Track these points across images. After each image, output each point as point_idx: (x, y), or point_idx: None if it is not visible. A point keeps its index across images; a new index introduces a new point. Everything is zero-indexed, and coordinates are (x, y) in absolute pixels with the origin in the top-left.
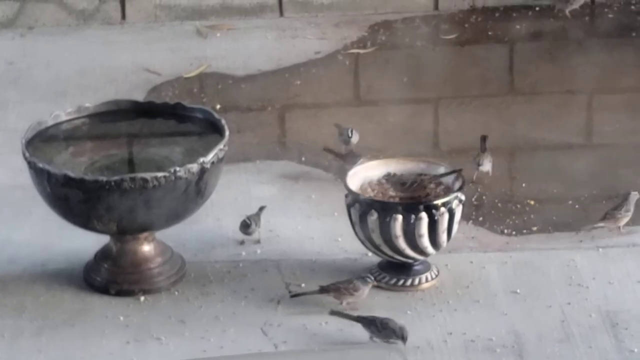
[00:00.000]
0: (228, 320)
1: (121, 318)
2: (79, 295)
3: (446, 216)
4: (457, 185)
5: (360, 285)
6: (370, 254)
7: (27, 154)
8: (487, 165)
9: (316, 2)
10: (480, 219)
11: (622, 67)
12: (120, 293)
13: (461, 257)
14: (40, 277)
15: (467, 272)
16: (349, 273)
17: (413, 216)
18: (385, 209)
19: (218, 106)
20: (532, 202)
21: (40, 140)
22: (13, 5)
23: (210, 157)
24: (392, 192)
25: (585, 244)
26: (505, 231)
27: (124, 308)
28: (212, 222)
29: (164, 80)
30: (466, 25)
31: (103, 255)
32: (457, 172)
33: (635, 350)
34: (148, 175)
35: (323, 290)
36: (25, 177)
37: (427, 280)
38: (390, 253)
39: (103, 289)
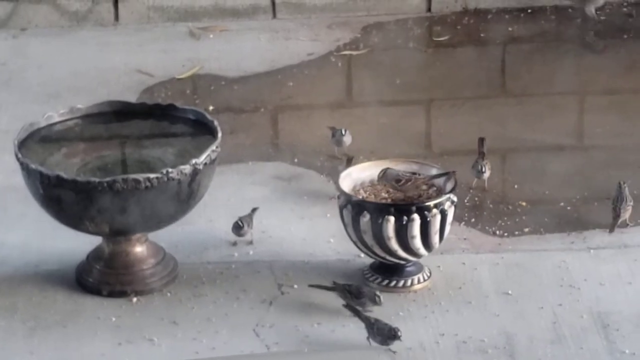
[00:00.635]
0: (220, 322)
1: (113, 319)
2: (71, 297)
3: (438, 217)
4: (449, 186)
5: (368, 301)
6: (362, 255)
7: (19, 155)
8: (487, 172)
9: (309, 4)
10: (473, 220)
11: (613, 68)
12: (112, 294)
13: (453, 259)
14: (32, 278)
15: (459, 274)
16: (341, 274)
17: (405, 217)
18: (377, 210)
19: (211, 107)
20: (523, 204)
21: (33, 142)
22: (6, 6)
23: (202, 158)
24: (384, 194)
25: (576, 246)
26: (497, 232)
27: (116, 309)
28: (205, 223)
29: (157, 81)
30: (458, 27)
31: (95, 256)
32: (451, 173)
33: (627, 351)
34: (140, 176)
35: (335, 288)
36: (17, 178)
37: (419, 282)
38: (382, 254)
39: (95, 290)
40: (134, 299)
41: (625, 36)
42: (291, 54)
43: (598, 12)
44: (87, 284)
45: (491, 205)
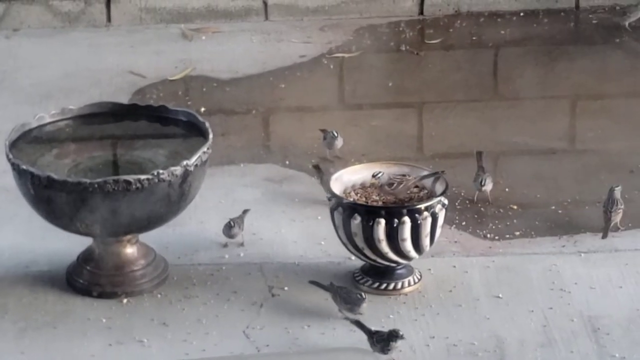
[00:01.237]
0: (211, 323)
1: (103, 320)
2: (62, 297)
3: (429, 220)
4: (440, 189)
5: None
6: (353, 257)
7: (10, 156)
8: (489, 185)
9: (301, 6)
10: (463, 223)
11: (605, 72)
12: (102, 295)
13: (444, 261)
14: (23, 279)
15: (449, 276)
16: (332, 277)
17: (396, 220)
18: (368, 213)
19: (203, 109)
20: (515, 207)
21: (24, 142)
22: None
23: (193, 159)
24: (375, 196)
25: (567, 249)
26: (488, 236)
27: (107, 310)
28: (196, 224)
29: (149, 82)
30: (451, 30)
31: (86, 257)
32: (440, 173)
33: (617, 355)
34: (131, 177)
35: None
36: (8, 179)
37: (409, 284)
38: (373, 257)
39: (85, 291)
40: (125, 300)
41: (618, 40)
42: (283, 56)
43: (631, 25)
44: (77, 285)
45: (482, 209)
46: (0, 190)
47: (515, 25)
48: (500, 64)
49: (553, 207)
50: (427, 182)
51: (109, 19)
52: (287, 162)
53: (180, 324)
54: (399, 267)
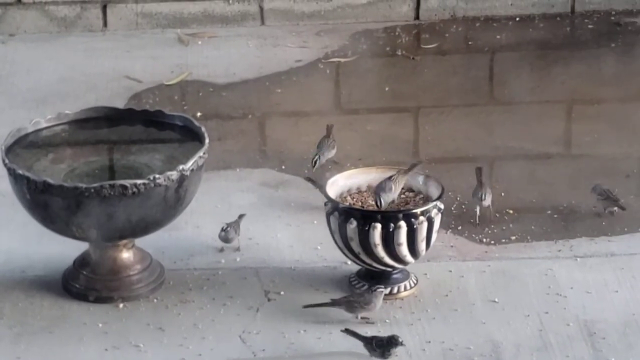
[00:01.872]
0: (207, 328)
1: (100, 325)
2: (58, 302)
3: (425, 225)
4: (436, 194)
5: (371, 298)
6: (349, 262)
7: (6, 161)
8: (488, 199)
9: (297, 11)
10: (459, 227)
11: (600, 77)
12: (98, 300)
13: (440, 266)
14: (19, 284)
15: (445, 281)
16: (328, 281)
17: (392, 225)
18: (364, 218)
19: (199, 114)
20: (510, 212)
21: (20, 147)
22: None
23: (189, 164)
24: (371, 201)
25: (563, 254)
26: (484, 240)
27: (103, 315)
28: (192, 229)
29: (145, 87)
30: (447, 34)
31: (82, 262)
32: (417, 163)
33: (613, 359)
34: (127, 182)
35: (335, 303)
36: (4, 184)
37: (405, 289)
38: (369, 261)
39: (82, 296)
40: (121, 305)
41: (613, 44)
42: (279, 60)
43: None
44: (73, 290)
45: (478, 213)
46: None
47: (510, 29)
48: (496, 69)
49: (549, 212)
50: (424, 188)
51: (105, 23)
52: (283, 167)
53: (177, 329)
54: (395, 271)
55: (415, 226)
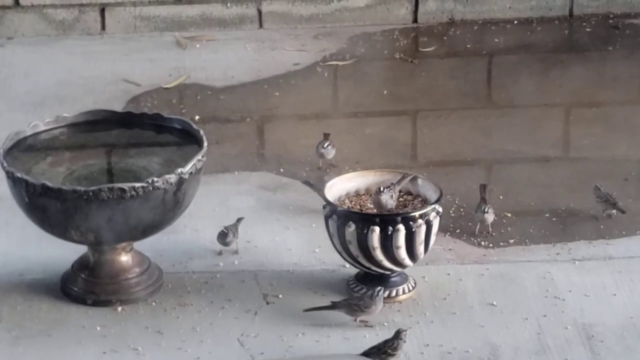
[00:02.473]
0: (205, 331)
1: (98, 328)
2: (56, 305)
3: (423, 228)
4: (434, 197)
5: (371, 301)
6: (347, 265)
7: (5, 164)
8: (490, 217)
9: (295, 14)
10: (458, 231)
11: (599, 80)
12: (97, 303)
13: (438, 269)
14: (17, 287)
15: (444, 284)
16: (326, 284)
17: (390, 228)
18: (362, 221)
19: (197, 117)
20: (509, 215)
21: (19, 150)
22: None
23: (188, 167)
24: (370, 204)
25: (561, 257)
26: (483, 243)
27: (101, 318)
28: (190, 232)
29: (143, 90)
30: (445, 38)
31: (80, 265)
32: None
33: None
34: (126, 185)
35: (335, 306)
36: (3, 187)
37: (404, 292)
38: (367, 264)
39: (80, 299)
40: (119, 308)
41: (611, 48)
42: (277, 64)
43: None
44: (72, 293)
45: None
46: None
47: (509, 33)
48: (494, 72)
49: (547, 215)
50: (422, 190)
51: (103, 27)
52: (282, 170)
53: (175, 332)
54: (393, 274)
55: (413, 229)
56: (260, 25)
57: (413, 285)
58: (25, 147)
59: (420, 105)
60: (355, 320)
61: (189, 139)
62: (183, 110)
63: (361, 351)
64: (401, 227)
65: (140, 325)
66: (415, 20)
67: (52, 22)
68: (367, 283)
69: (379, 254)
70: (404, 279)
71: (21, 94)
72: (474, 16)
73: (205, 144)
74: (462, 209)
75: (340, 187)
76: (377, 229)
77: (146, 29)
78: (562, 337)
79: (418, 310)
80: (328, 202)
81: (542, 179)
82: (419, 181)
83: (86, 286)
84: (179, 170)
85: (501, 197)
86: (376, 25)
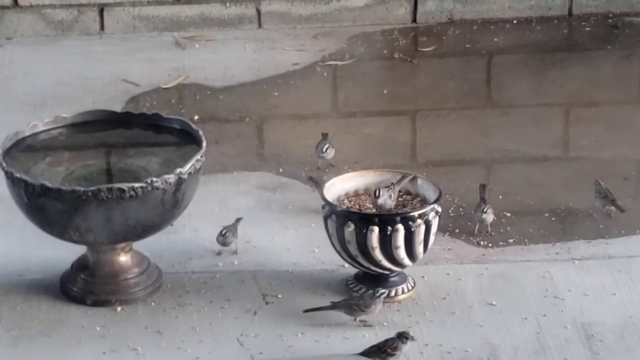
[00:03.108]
0: (204, 331)
1: (97, 328)
2: (56, 306)
3: (422, 228)
4: (434, 197)
5: (370, 301)
6: (346, 265)
7: (4, 164)
8: (490, 217)
9: (295, 14)
10: (457, 230)
11: (598, 79)
12: (96, 303)
13: (437, 269)
14: (16, 287)
15: (443, 284)
16: (326, 284)
17: (389, 228)
18: (361, 221)
19: (196, 117)
20: (508, 214)
21: (18, 150)
22: None
23: (187, 167)
24: (369, 204)
25: (560, 256)
26: (482, 243)
27: (101, 318)
28: (189, 232)
29: (142, 90)
30: (444, 37)
31: (80, 265)
32: (405, 175)
33: None
34: (125, 185)
35: (335, 306)
36: (2, 187)
37: (403, 292)
38: (366, 264)
39: (79, 300)
40: (118, 308)
41: (609, 47)
42: (277, 63)
43: None
44: (71, 293)
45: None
46: None
47: (508, 32)
48: (493, 72)
49: (546, 214)
50: (421, 190)
51: (102, 27)
52: (281, 170)
53: (174, 332)
54: (392, 274)
55: (412, 229)
56: (260, 25)
57: (412, 285)
58: (24, 148)
59: (420, 105)
60: (355, 319)
61: (188, 139)
62: (182, 110)
63: (361, 350)
64: (400, 227)
65: (139, 325)
66: (414, 20)
67: (51, 22)
68: (366, 283)
69: (378, 254)
70: (403, 278)
71: (20, 94)
72: (473, 16)
73: (204, 144)
74: (461, 209)
75: (340, 187)
76: (376, 228)
77: (145, 29)
78: (561, 336)
79: (417, 310)
80: (327, 202)
81: (541, 179)
82: (418, 181)
83: (85, 286)
84: (178, 170)
85: (500, 196)
86: (375, 25)
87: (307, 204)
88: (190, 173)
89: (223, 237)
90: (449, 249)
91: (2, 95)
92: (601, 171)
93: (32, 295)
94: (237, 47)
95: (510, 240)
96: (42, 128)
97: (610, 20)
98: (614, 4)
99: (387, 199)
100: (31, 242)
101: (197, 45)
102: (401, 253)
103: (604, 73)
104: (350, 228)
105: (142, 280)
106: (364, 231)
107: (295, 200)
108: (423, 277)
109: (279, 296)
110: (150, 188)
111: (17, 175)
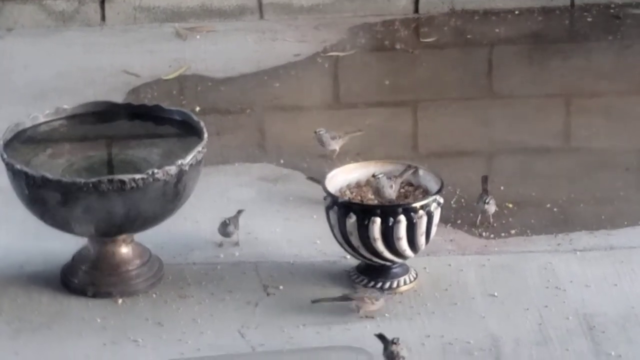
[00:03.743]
0: (205, 323)
1: (98, 320)
2: (57, 298)
3: (425, 219)
4: (436, 188)
5: (381, 295)
6: (348, 256)
7: (4, 156)
8: (492, 207)
9: (296, 5)
10: (459, 221)
11: (600, 70)
12: (97, 295)
13: (439, 260)
14: (17, 279)
15: (445, 275)
16: (327, 276)
17: (391, 219)
18: (363, 212)
19: (197, 108)
20: (510, 205)
21: (18, 142)
22: None
23: (188, 159)
24: (370, 195)
25: (562, 247)
26: (484, 234)
27: (102, 310)
28: (191, 224)
29: (143, 82)
30: (445, 28)
31: (81, 257)
32: (407, 167)
33: (612, 353)
34: (126, 177)
35: (346, 298)
36: (2, 179)
37: (405, 283)
38: (368, 256)
39: (80, 291)
40: (119, 300)
41: (611, 37)
42: (278, 54)
43: None
44: (72, 285)
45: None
46: None
47: (510, 23)
48: (495, 62)
49: (548, 205)
50: (423, 181)
51: (103, 18)
52: (282, 161)
53: (175, 324)
54: (394, 265)
55: (414, 220)
56: (261, 16)
57: (414, 276)
58: (25, 139)
59: (421, 95)
60: (359, 311)
61: (189, 130)
62: (183, 102)
63: (362, 342)
64: (402, 218)
65: (140, 317)
66: (416, 11)
67: (52, 13)
68: (368, 274)
69: (379, 245)
70: (405, 270)
71: (21, 85)
72: (474, 6)
73: (206, 135)
74: (463, 200)
75: (341, 178)
76: (378, 220)
77: (146, 20)
78: (563, 327)
79: (419, 301)
80: (329, 193)
81: (543, 170)
82: (420, 172)
83: (86, 278)
84: (179, 161)
85: (502, 187)
86: (377, 16)
87: (308, 195)
88: (191, 164)
89: (224, 229)
90: (451, 240)
91: (2, 86)
92: (603, 162)
93: (32, 287)
94: (238, 38)
95: (512, 232)
96: (42, 120)
97: (612, 11)
98: None
99: (386, 184)
100: (32, 234)
101: (198, 37)
102: (403, 244)
103: (605, 64)
104: (352, 219)
105: (143, 272)
106: (366, 222)
107: (296, 192)
108: (425, 268)
109: (281, 288)
110: (151, 179)
111: (18, 166)
